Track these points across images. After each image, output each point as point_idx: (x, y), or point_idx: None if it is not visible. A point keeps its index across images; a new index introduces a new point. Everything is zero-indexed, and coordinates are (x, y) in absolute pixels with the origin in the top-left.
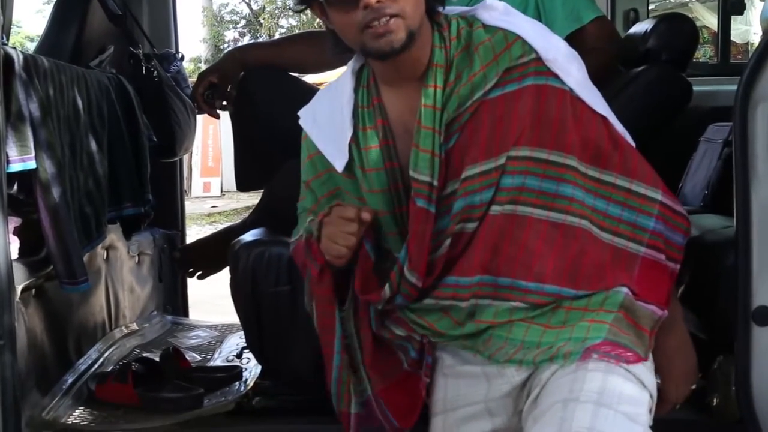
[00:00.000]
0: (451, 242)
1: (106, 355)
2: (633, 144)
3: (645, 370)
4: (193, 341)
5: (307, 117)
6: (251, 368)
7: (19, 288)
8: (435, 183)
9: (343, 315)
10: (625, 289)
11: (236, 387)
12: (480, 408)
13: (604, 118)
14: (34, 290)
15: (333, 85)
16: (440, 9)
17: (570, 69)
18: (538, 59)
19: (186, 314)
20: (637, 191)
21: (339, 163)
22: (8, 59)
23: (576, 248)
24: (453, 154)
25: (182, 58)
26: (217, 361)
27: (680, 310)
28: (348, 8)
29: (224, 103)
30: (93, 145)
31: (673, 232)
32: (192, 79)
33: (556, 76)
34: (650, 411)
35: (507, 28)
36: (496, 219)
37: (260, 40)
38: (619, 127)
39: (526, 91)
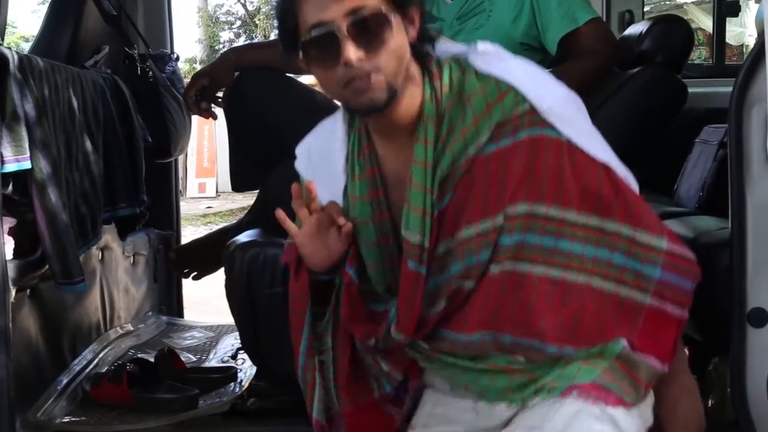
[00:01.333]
0: (446, 300)
1: (100, 355)
2: (636, 189)
3: (625, 416)
4: (188, 342)
5: (303, 156)
6: (246, 369)
7: (13, 289)
8: (426, 244)
9: (321, 330)
10: (623, 341)
11: (231, 388)
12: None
13: (604, 165)
14: (28, 291)
15: (329, 123)
16: (431, 51)
17: (567, 116)
18: (533, 110)
19: (181, 315)
20: (642, 240)
21: None
22: (3, 59)
23: (576, 305)
24: (447, 213)
25: (177, 58)
26: (212, 361)
27: (685, 359)
28: (328, 65)
29: (212, 106)
30: (88, 146)
31: (682, 278)
32: (188, 80)
33: (551, 127)
34: None
35: (500, 77)
36: (496, 278)
37: (255, 41)
38: (621, 171)
39: (520, 144)
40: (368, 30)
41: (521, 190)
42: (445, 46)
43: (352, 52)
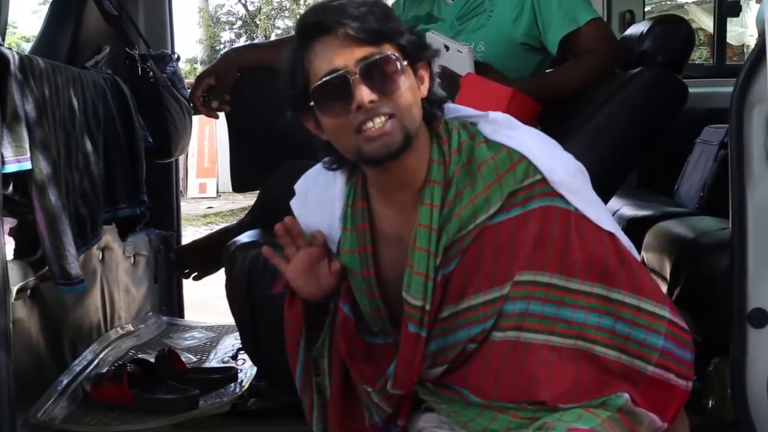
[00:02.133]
0: (450, 361)
1: (101, 356)
2: (639, 258)
3: None
4: (188, 342)
5: (300, 195)
6: (247, 369)
7: (14, 289)
8: (428, 308)
9: (316, 353)
10: (626, 395)
11: (231, 388)
12: None
13: (610, 235)
14: (29, 291)
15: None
16: (439, 114)
17: (575, 187)
18: (543, 180)
19: (181, 315)
20: (646, 309)
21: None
22: (4, 60)
23: (573, 370)
24: (452, 278)
25: (178, 58)
26: (213, 362)
27: (687, 426)
28: (340, 111)
29: (221, 105)
30: (88, 146)
31: (683, 349)
32: (188, 80)
33: (561, 197)
34: None
35: (511, 146)
36: (497, 345)
37: (256, 41)
38: (626, 241)
39: (530, 214)
40: (381, 73)
41: (527, 260)
42: (453, 108)
43: (365, 94)
